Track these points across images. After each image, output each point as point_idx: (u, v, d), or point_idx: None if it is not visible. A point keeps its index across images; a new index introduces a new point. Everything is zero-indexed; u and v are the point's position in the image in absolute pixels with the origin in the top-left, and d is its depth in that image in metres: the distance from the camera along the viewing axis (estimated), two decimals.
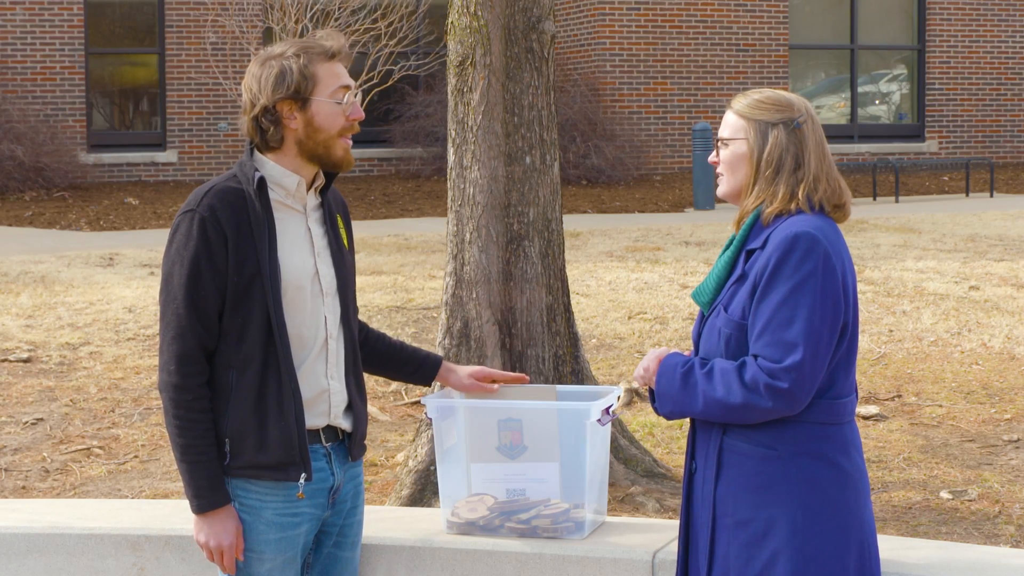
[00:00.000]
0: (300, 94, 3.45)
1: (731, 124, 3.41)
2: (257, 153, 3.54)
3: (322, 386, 3.53)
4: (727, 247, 3.44)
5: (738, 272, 3.37)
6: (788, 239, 3.26)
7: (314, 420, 3.52)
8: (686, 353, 3.47)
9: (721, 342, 3.35)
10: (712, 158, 3.47)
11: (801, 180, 3.34)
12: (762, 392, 3.23)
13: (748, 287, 3.31)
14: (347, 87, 3.50)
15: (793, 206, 3.33)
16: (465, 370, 3.95)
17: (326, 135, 3.48)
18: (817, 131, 3.39)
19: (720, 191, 3.47)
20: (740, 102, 3.41)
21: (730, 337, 3.33)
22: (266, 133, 3.48)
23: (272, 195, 3.50)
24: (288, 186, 3.52)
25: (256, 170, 3.49)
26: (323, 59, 3.47)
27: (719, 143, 3.44)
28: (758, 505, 3.31)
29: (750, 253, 3.35)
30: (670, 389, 3.37)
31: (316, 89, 3.46)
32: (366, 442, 3.73)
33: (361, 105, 3.55)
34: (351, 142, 3.54)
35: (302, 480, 3.47)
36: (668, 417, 3.42)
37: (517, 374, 4.03)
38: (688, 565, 3.49)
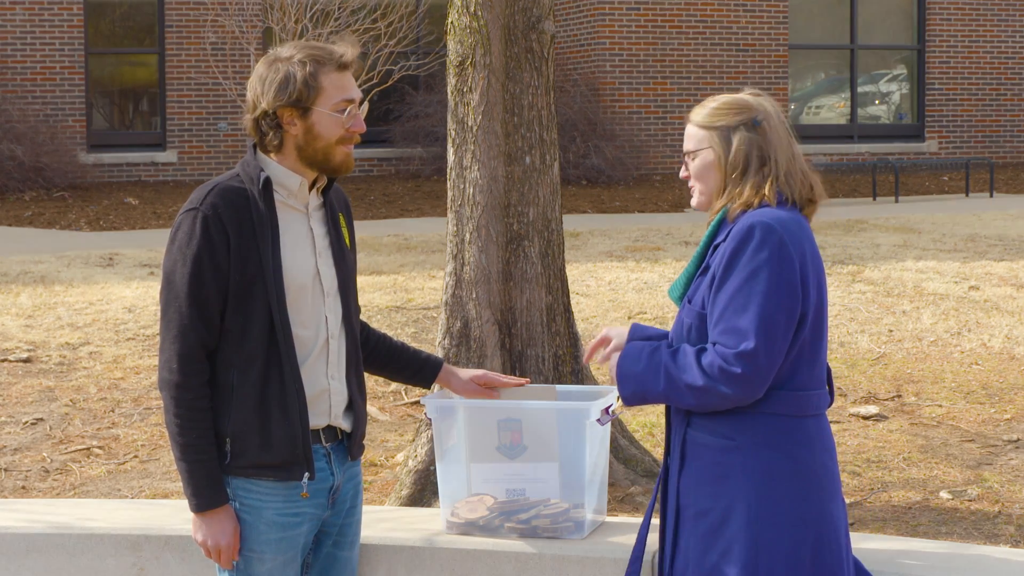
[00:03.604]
0: (301, 103, 3.44)
1: (694, 136, 3.48)
2: (260, 152, 3.53)
3: (322, 386, 3.53)
4: None
5: (704, 265, 3.44)
6: (744, 229, 3.33)
7: (315, 420, 3.52)
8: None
9: (683, 332, 3.43)
10: (683, 173, 3.54)
11: (768, 176, 3.41)
12: (718, 377, 3.29)
13: (708, 278, 3.38)
14: (351, 100, 3.47)
15: (757, 200, 3.38)
16: (466, 373, 3.95)
17: (325, 143, 3.47)
18: (781, 127, 3.46)
19: (695, 203, 3.55)
20: (699, 113, 3.49)
21: (691, 327, 3.41)
22: (266, 136, 3.48)
23: (275, 195, 3.50)
24: (290, 186, 3.52)
25: (261, 169, 3.48)
26: (331, 69, 3.45)
27: (687, 157, 3.50)
28: (716, 496, 3.36)
29: (716, 247, 3.43)
30: (634, 368, 3.42)
31: (318, 100, 3.44)
32: (365, 442, 3.74)
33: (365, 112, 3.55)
34: (352, 147, 3.53)
35: (306, 479, 3.47)
36: (628, 401, 3.46)
37: (518, 378, 4.02)
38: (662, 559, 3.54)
